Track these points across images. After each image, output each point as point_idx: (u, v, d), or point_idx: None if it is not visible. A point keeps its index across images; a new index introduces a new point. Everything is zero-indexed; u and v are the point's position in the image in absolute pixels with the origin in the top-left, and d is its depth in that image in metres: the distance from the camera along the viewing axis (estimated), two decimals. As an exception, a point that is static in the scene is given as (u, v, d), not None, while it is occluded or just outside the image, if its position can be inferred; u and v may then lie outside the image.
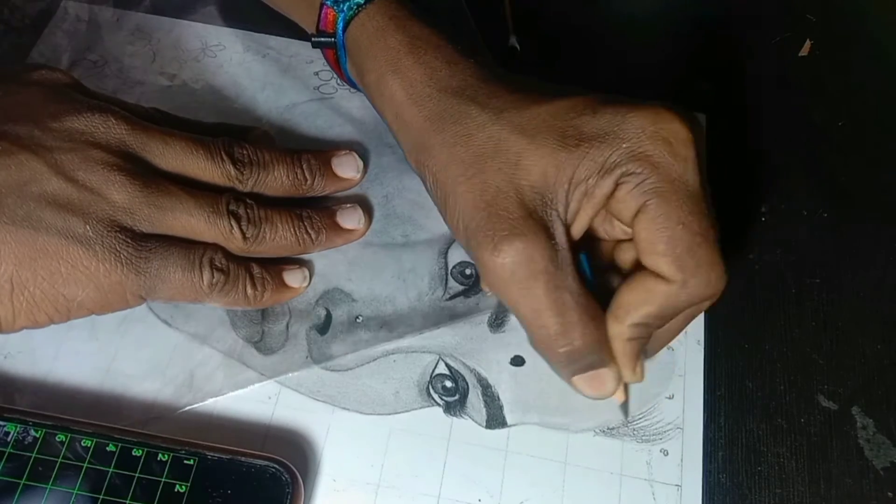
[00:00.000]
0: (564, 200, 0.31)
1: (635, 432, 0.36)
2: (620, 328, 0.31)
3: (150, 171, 0.35)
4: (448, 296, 0.39)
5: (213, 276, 0.35)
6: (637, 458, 0.35)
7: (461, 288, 0.39)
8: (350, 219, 0.39)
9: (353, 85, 0.40)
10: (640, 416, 0.36)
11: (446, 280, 0.39)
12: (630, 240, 0.33)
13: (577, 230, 0.32)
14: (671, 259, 0.30)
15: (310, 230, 0.37)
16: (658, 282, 0.30)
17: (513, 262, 0.30)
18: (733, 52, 0.48)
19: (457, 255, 0.40)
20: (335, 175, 0.40)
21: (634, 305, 0.31)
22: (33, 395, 0.35)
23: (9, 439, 0.33)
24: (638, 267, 0.31)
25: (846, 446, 0.36)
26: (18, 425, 0.33)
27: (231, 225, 0.35)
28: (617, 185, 0.30)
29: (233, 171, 0.36)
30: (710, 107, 0.45)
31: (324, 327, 0.38)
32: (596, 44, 0.47)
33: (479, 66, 0.35)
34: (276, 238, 0.37)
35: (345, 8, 0.37)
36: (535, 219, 0.31)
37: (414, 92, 0.34)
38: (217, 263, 0.35)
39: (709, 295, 0.31)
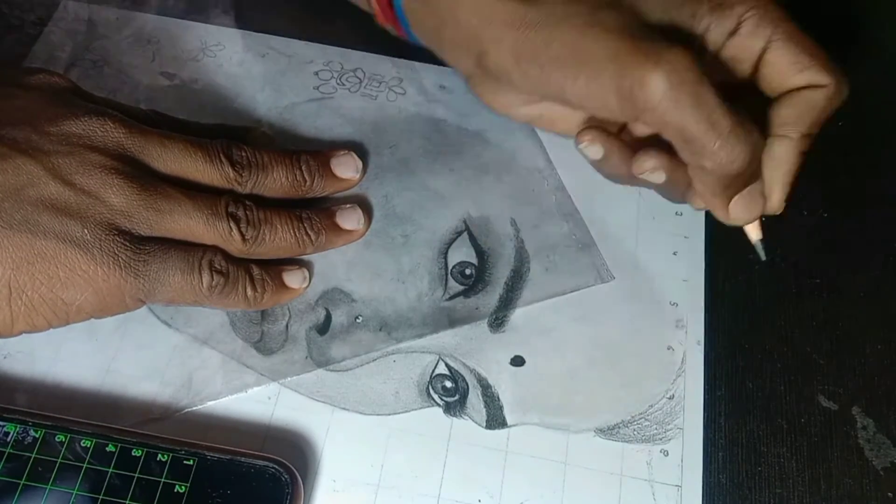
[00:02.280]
0: (686, 38, 0.33)
1: (635, 432, 0.36)
2: (791, 143, 0.34)
3: (149, 174, 0.35)
4: (448, 296, 0.39)
5: (212, 279, 0.35)
6: (637, 459, 0.35)
7: (461, 288, 0.39)
8: (349, 219, 0.39)
9: (403, 24, 0.39)
10: (640, 416, 0.36)
11: (446, 280, 0.39)
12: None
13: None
14: (821, 65, 0.33)
15: (309, 231, 0.37)
16: (816, 91, 0.34)
17: (678, 69, 0.30)
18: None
19: (456, 255, 0.40)
20: (334, 175, 0.40)
21: (802, 117, 0.34)
22: (33, 395, 0.35)
23: (8, 439, 0.33)
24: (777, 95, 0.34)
25: (846, 446, 0.36)
26: (18, 425, 0.33)
27: (230, 227, 0.35)
28: (739, 23, 0.34)
29: (231, 173, 0.36)
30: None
31: (323, 327, 0.38)
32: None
33: None
34: (276, 239, 0.37)
35: None
36: (676, 35, 0.33)
37: None
38: (216, 265, 0.35)
39: (846, 91, 0.34)
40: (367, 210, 0.40)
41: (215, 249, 0.35)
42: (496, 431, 0.36)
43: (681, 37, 0.33)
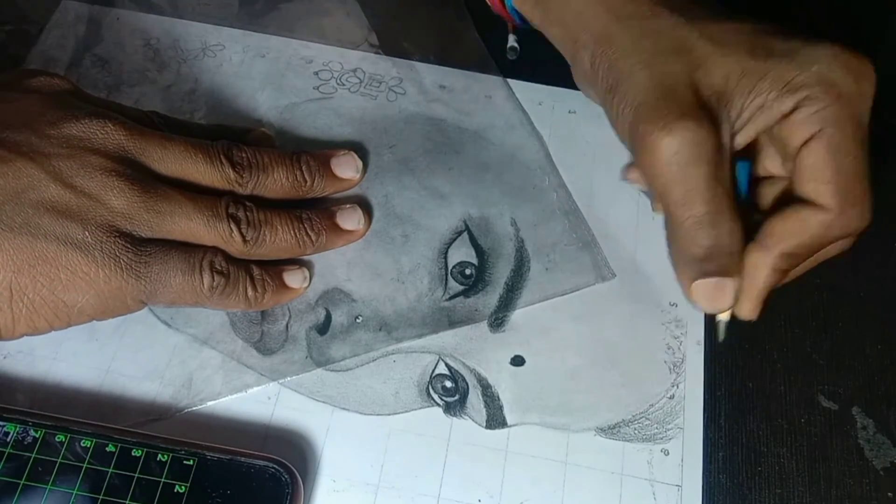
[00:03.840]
0: (739, 108, 0.32)
1: (636, 432, 0.36)
2: (768, 257, 0.32)
3: (149, 175, 0.35)
4: (448, 296, 0.39)
5: (213, 280, 0.35)
6: (637, 458, 0.35)
7: (461, 288, 0.39)
8: (350, 220, 0.39)
9: (515, 15, 0.41)
10: (641, 415, 0.36)
11: (446, 280, 0.39)
12: (772, 177, 0.34)
13: (741, 140, 0.33)
14: (835, 187, 0.31)
15: (310, 232, 0.37)
16: (813, 212, 0.31)
17: (681, 142, 0.31)
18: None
19: (456, 255, 0.40)
20: (334, 176, 0.40)
21: (787, 234, 0.32)
22: (33, 395, 0.35)
23: (8, 439, 0.33)
24: (783, 202, 0.33)
25: (846, 446, 0.36)
26: (18, 425, 0.33)
27: (231, 228, 0.35)
28: (797, 106, 0.32)
29: (232, 175, 0.36)
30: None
31: (323, 327, 0.38)
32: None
33: None
34: (276, 240, 0.37)
35: None
36: (708, 111, 0.32)
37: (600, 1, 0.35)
38: (217, 266, 0.35)
39: (858, 228, 0.32)
40: (368, 210, 0.40)
41: (216, 250, 0.35)
42: (496, 431, 0.36)
43: (729, 107, 0.32)
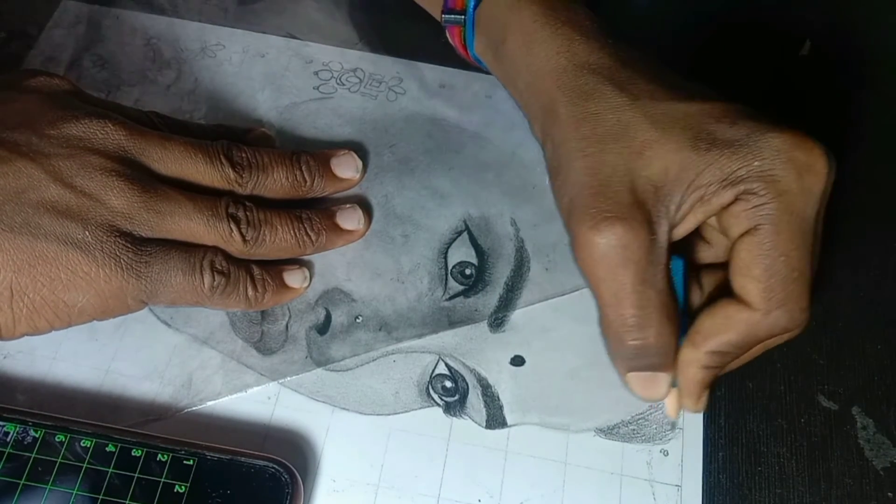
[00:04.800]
0: (678, 200, 0.31)
1: (635, 432, 0.36)
2: (696, 354, 0.31)
3: (149, 175, 0.35)
4: (448, 296, 0.39)
5: (213, 279, 0.35)
6: (637, 459, 0.35)
7: (461, 288, 0.39)
8: (350, 220, 0.39)
9: (477, 63, 0.40)
10: (640, 416, 0.36)
11: (446, 280, 0.39)
12: (716, 265, 0.33)
13: (681, 232, 0.32)
14: (762, 286, 0.30)
15: (310, 232, 0.37)
16: (741, 309, 0.30)
17: (608, 244, 0.30)
18: (733, 52, 0.48)
19: (456, 255, 0.40)
20: (334, 175, 0.40)
21: (714, 332, 0.31)
22: (33, 395, 0.35)
23: (8, 439, 0.33)
24: (719, 294, 0.32)
25: (846, 446, 0.36)
26: (18, 425, 0.33)
27: (231, 228, 0.35)
28: (736, 199, 0.30)
29: (232, 175, 0.36)
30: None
31: (323, 327, 0.38)
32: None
33: (616, 47, 0.34)
34: (276, 240, 0.37)
35: None
36: (641, 209, 0.30)
37: (549, 63, 0.34)
38: (217, 266, 0.35)
39: (788, 329, 0.31)
40: (367, 210, 0.40)
41: (216, 250, 0.35)
42: (496, 431, 0.36)
43: (668, 201, 0.31)
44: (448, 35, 0.41)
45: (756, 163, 0.30)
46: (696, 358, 0.31)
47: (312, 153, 0.40)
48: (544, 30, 0.35)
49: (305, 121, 0.43)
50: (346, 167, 0.40)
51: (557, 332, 0.38)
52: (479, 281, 0.39)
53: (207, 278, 0.34)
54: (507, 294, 0.39)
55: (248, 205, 0.36)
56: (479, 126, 0.43)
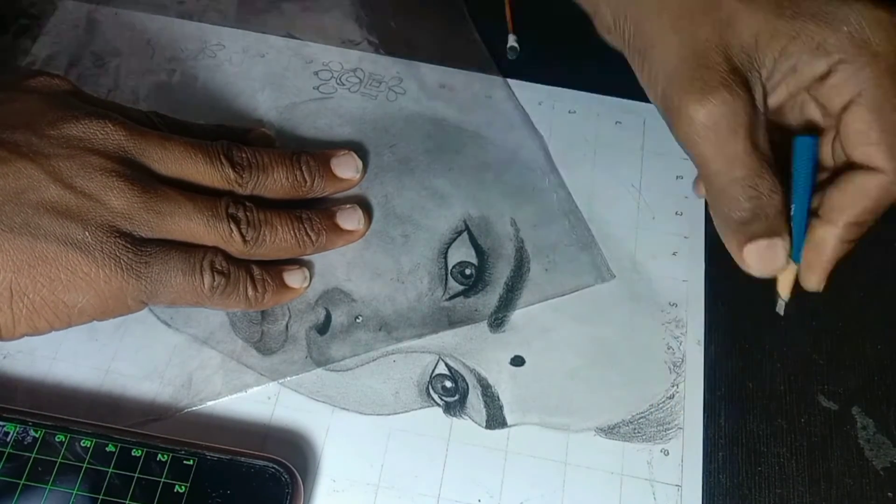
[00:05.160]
0: (771, 68, 0.31)
1: (635, 432, 0.36)
2: (834, 230, 0.31)
3: (149, 176, 0.35)
4: (448, 296, 0.39)
5: (213, 279, 0.35)
6: (637, 458, 0.35)
7: (461, 288, 0.39)
8: (350, 220, 0.39)
9: None
10: (640, 415, 0.36)
11: (446, 280, 0.39)
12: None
13: (774, 102, 0.32)
14: (885, 147, 0.30)
15: (310, 232, 0.37)
16: (870, 176, 0.31)
17: (718, 112, 0.30)
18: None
19: (456, 255, 0.40)
20: (334, 176, 0.40)
21: (849, 204, 0.31)
22: (33, 395, 0.35)
23: (8, 439, 0.33)
24: (840, 170, 0.32)
25: (846, 446, 0.36)
26: (18, 425, 0.33)
27: (231, 228, 0.35)
28: (830, 69, 0.31)
29: (232, 175, 0.36)
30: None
31: (323, 327, 0.38)
32: (595, 44, 0.47)
33: None
34: (276, 240, 0.37)
35: None
36: (739, 77, 0.31)
37: None
38: (217, 266, 0.35)
39: None
40: (368, 210, 0.40)
41: (216, 250, 0.35)
42: (496, 431, 0.36)
43: (761, 68, 0.32)
44: None
45: (844, 28, 0.30)
46: (835, 233, 0.32)
47: (313, 153, 0.40)
48: None
49: (305, 121, 0.43)
50: (346, 167, 0.40)
51: (557, 332, 0.38)
52: (479, 281, 0.39)
53: (207, 278, 0.34)
54: (507, 294, 0.39)
55: (248, 205, 0.36)
56: (479, 126, 0.43)
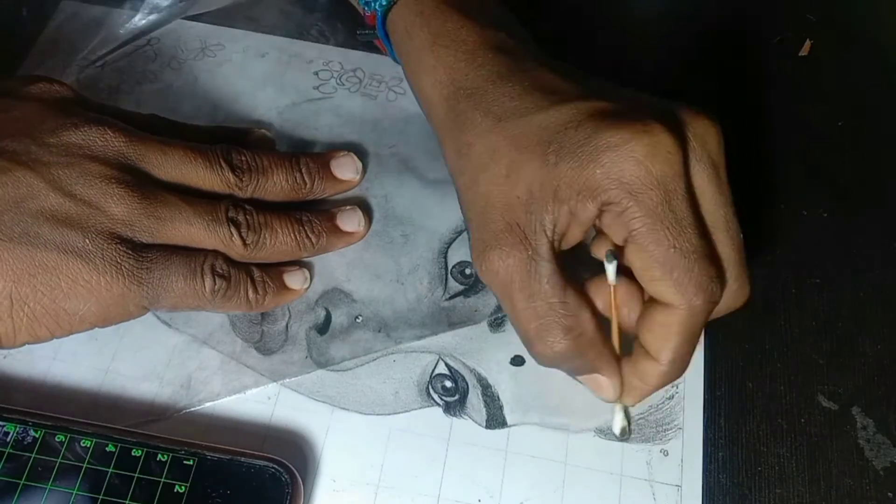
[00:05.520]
0: (551, 216, 0.31)
1: (635, 432, 0.36)
2: (658, 367, 0.32)
3: (149, 181, 0.35)
4: (448, 296, 0.39)
5: (214, 283, 0.35)
6: (637, 459, 0.35)
7: (461, 288, 0.39)
8: (350, 221, 0.39)
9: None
10: (640, 416, 0.36)
11: (446, 280, 0.39)
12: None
13: (568, 242, 0.32)
14: (670, 283, 0.30)
15: (310, 234, 0.37)
16: (669, 313, 0.30)
17: (491, 270, 0.32)
18: (733, 52, 0.48)
19: (456, 255, 0.40)
20: (334, 177, 0.40)
21: (660, 345, 0.31)
22: (33, 395, 0.35)
23: (8, 439, 0.33)
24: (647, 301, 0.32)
25: (846, 446, 0.36)
26: (18, 425, 0.33)
27: (231, 232, 0.35)
28: (601, 210, 0.30)
29: (232, 179, 0.36)
30: (709, 107, 0.45)
31: (323, 327, 0.38)
32: (597, 42, 0.47)
33: (499, 60, 0.34)
34: (277, 243, 0.37)
35: (376, 7, 0.38)
36: (517, 231, 0.31)
37: (436, 92, 0.35)
38: (218, 269, 0.35)
39: (732, 306, 0.31)
40: (367, 211, 0.40)
41: (216, 254, 0.35)
42: (496, 431, 0.36)
43: (540, 217, 0.31)
44: (375, 43, 0.42)
45: (598, 171, 0.30)
46: (660, 370, 0.32)
47: (312, 155, 0.40)
48: (430, 57, 0.35)
49: (305, 121, 0.43)
50: (346, 168, 0.40)
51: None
52: (479, 280, 0.39)
53: (209, 282, 0.34)
54: (507, 294, 0.39)
55: (248, 208, 0.36)
56: (479, 126, 0.43)
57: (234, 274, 0.35)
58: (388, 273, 0.39)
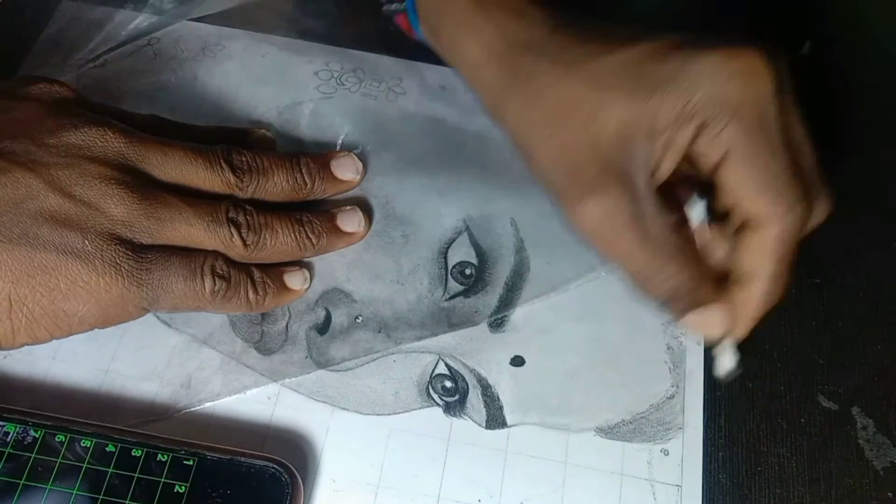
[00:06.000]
0: (646, 149, 0.31)
1: (635, 432, 0.36)
2: (756, 288, 0.31)
3: (149, 182, 0.35)
4: (448, 296, 0.39)
5: (214, 284, 0.35)
6: (637, 458, 0.35)
7: (461, 288, 0.39)
8: (350, 222, 0.39)
9: (427, 44, 0.41)
10: (640, 415, 0.36)
11: (446, 280, 0.39)
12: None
13: (663, 174, 0.32)
14: (766, 199, 0.30)
15: (310, 234, 0.37)
16: (764, 229, 0.30)
17: (594, 217, 0.31)
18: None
19: (456, 255, 0.40)
20: (335, 177, 0.40)
21: (758, 265, 0.31)
22: (32, 395, 0.35)
23: (8, 439, 0.33)
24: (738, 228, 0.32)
25: (846, 446, 0.36)
26: (18, 425, 0.33)
27: (231, 233, 0.35)
28: (696, 134, 0.31)
29: (232, 179, 0.36)
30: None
31: (323, 328, 0.38)
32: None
33: (549, 15, 0.35)
34: (277, 244, 0.37)
35: None
36: (613, 171, 0.31)
37: (486, 51, 0.35)
38: (218, 270, 0.35)
39: (819, 217, 0.31)
40: (368, 212, 0.40)
41: (216, 254, 0.35)
42: (496, 431, 0.36)
43: (634, 152, 0.31)
44: (396, 22, 0.42)
45: (698, 93, 0.30)
46: (756, 293, 0.31)
47: (312, 155, 0.39)
48: (475, 18, 0.36)
49: (305, 121, 0.43)
50: (346, 169, 0.40)
51: (557, 332, 0.38)
52: (479, 281, 0.39)
53: (209, 283, 0.34)
54: (507, 294, 0.39)
55: (248, 209, 0.36)
56: (479, 126, 0.43)
57: (234, 275, 0.35)
58: (388, 273, 0.39)
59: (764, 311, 0.32)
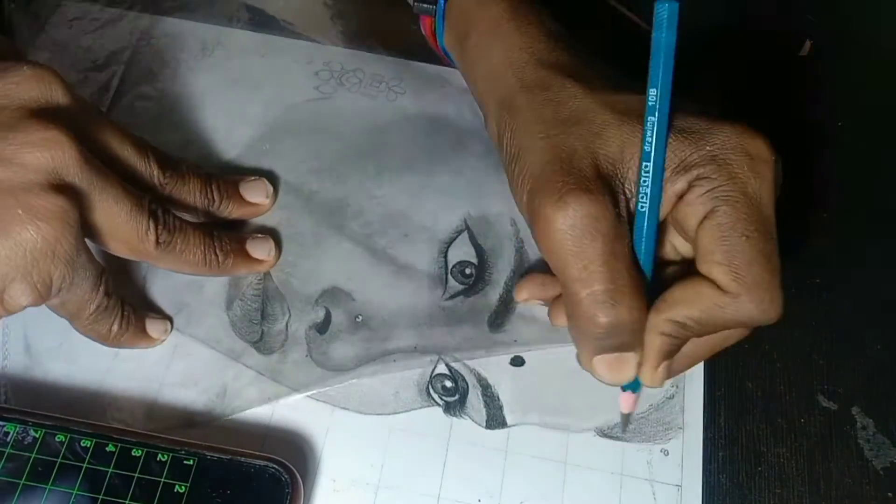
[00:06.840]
0: (635, 181, 0.31)
1: (636, 432, 0.36)
2: (658, 320, 0.31)
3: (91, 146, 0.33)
4: (448, 295, 0.39)
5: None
6: (637, 458, 0.35)
7: (461, 287, 0.39)
8: (260, 249, 0.38)
9: (445, 55, 0.42)
10: (641, 416, 0.36)
11: (446, 280, 0.39)
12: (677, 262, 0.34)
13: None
14: (728, 269, 0.30)
15: (218, 251, 0.37)
16: (711, 288, 0.30)
17: (575, 216, 0.30)
18: (733, 52, 0.48)
19: (456, 255, 0.40)
20: (242, 199, 0.39)
21: (680, 303, 0.31)
22: (33, 395, 0.35)
23: (8, 439, 0.33)
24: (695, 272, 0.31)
25: (846, 446, 0.36)
26: (18, 425, 0.33)
27: (149, 225, 0.34)
28: (690, 185, 0.31)
29: (156, 171, 0.36)
30: (708, 106, 0.45)
31: (323, 327, 0.38)
32: (598, 46, 0.47)
33: (576, 49, 0.36)
34: (186, 251, 0.35)
35: None
36: (605, 182, 0.31)
37: (511, 56, 0.36)
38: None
39: (758, 319, 0.31)
40: (278, 243, 0.39)
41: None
42: (496, 431, 0.36)
43: (625, 178, 0.32)
44: (420, 24, 0.43)
45: (707, 147, 0.31)
46: (657, 323, 0.31)
47: (225, 178, 0.39)
48: (510, 24, 0.37)
49: (305, 121, 0.43)
50: (254, 192, 0.39)
51: (557, 333, 0.38)
52: (479, 280, 0.39)
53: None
54: (507, 294, 0.39)
55: (167, 207, 0.35)
56: (479, 126, 0.43)
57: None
58: (388, 272, 0.39)
59: (660, 350, 0.31)
